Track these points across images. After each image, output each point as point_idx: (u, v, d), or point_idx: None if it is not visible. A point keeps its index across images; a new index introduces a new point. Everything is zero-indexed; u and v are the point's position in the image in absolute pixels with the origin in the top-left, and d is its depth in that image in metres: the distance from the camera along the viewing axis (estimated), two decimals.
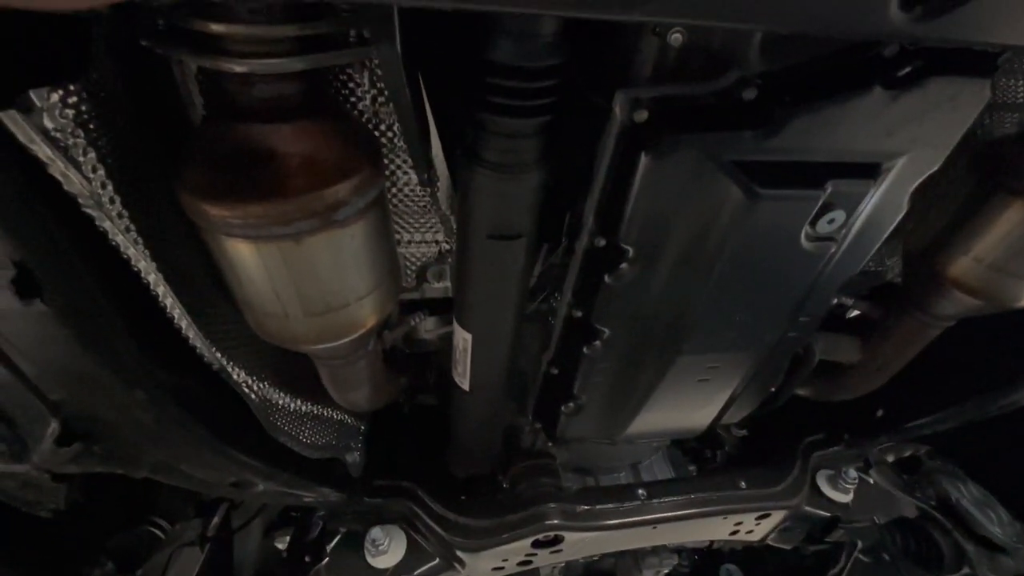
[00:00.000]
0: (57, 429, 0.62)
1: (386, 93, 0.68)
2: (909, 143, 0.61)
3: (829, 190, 0.60)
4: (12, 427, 0.62)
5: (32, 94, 0.42)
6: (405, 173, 0.79)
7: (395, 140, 0.74)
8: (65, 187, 0.46)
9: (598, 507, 1.13)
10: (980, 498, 1.60)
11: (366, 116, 0.70)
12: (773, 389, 1.06)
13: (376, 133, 0.71)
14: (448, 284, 0.96)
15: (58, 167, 0.45)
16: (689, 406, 0.96)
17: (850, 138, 0.59)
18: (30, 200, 0.45)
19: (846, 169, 0.60)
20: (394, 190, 0.80)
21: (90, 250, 0.52)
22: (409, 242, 0.89)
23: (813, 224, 0.63)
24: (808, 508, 1.30)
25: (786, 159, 0.59)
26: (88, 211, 0.49)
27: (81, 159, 0.47)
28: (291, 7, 0.47)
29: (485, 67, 0.54)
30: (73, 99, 0.46)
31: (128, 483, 0.86)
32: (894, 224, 0.70)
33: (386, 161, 0.75)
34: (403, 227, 0.87)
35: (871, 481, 1.46)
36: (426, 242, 0.90)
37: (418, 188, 0.81)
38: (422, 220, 0.86)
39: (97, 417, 0.65)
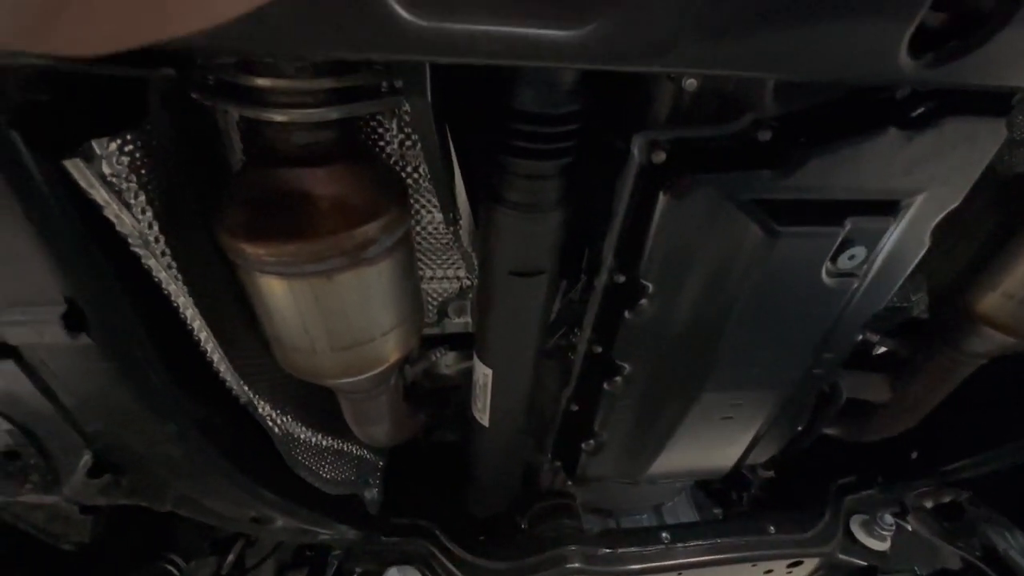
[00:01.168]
0: (90, 461, 0.64)
1: (413, 137, 0.72)
2: (927, 181, 0.61)
3: (848, 227, 0.60)
4: (47, 458, 0.64)
5: (94, 143, 0.46)
6: (429, 212, 0.81)
7: (420, 181, 0.77)
8: (118, 227, 0.49)
9: (620, 550, 1.10)
10: None
11: (394, 159, 0.73)
12: (800, 428, 1.04)
13: (403, 175, 0.75)
14: (468, 320, 0.97)
15: (113, 209, 0.48)
16: (713, 445, 0.94)
17: (867, 176, 0.60)
18: (85, 240, 0.48)
19: (865, 206, 0.61)
20: (418, 228, 0.83)
21: (133, 287, 0.55)
22: (431, 278, 0.91)
23: (834, 260, 0.64)
24: (843, 556, 1.24)
25: (804, 197, 0.60)
26: (136, 249, 0.52)
27: (132, 202, 0.51)
28: (330, 62, 0.51)
29: (508, 113, 0.57)
30: (129, 147, 0.50)
31: (147, 518, 0.86)
32: (916, 260, 0.70)
33: (411, 201, 0.78)
34: (426, 264, 0.89)
35: (909, 528, 1.38)
36: (448, 278, 0.93)
37: (441, 226, 0.84)
38: (444, 257, 0.89)
39: (128, 449, 0.67)
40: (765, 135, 0.59)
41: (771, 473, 1.35)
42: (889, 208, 0.62)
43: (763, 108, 0.59)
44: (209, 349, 0.63)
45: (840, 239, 0.61)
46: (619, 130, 0.63)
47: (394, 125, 0.71)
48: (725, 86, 0.59)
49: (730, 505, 1.47)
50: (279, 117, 0.51)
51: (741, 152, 0.60)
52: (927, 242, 0.67)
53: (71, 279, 0.48)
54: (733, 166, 0.59)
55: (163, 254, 0.55)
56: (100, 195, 0.46)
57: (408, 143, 0.73)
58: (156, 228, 0.53)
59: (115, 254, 0.52)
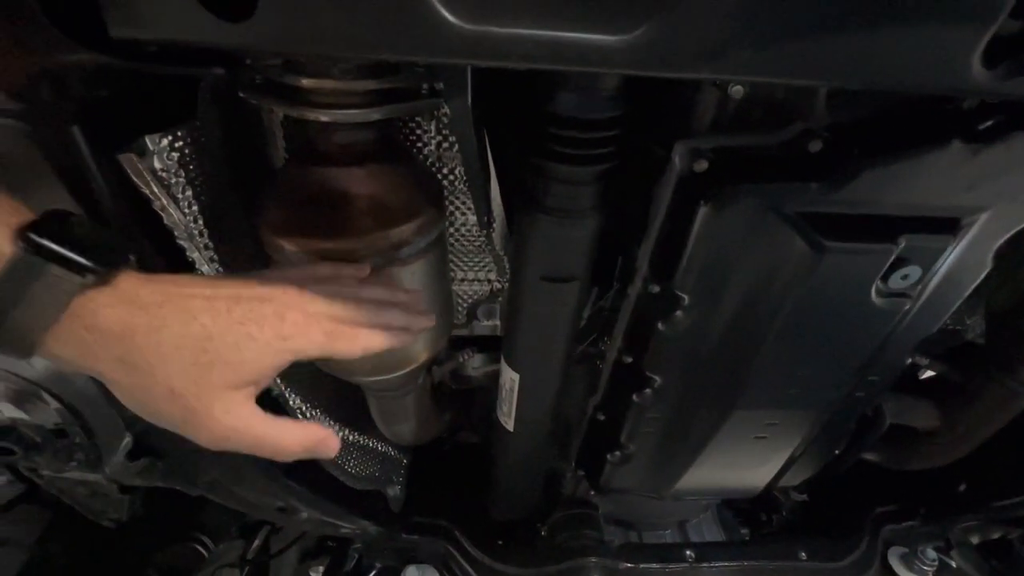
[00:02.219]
0: (130, 443, 0.67)
1: (450, 139, 0.72)
2: (992, 198, 0.57)
3: (903, 244, 0.57)
4: (91, 438, 0.67)
5: (147, 139, 0.47)
6: (463, 214, 0.82)
7: (455, 183, 0.77)
8: (165, 221, 0.51)
9: (642, 566, 1.07)
10: None
11: (430, 160, 0.74)
12: (838, 452, 0.99)
13: (439, 176, 0.75)
14: (497, 323, 0.97)
15: (161, 203, 0.50)
16: (745, 464, 0.91)
17: (926, 192, 0.56)
18: (134, 232, 0.50)
19: (922, 223, 0.57)
20: (451, 230, 0.83)
21: None
22: (462, 280, 0.92)
23: (885, 279, 0.60)
24: None
25: (855, 212, 0.57)
26: (181, 243, 0.54)
27: (180, 196, 0.52)
28: (373, 63, 0.51)
29: (548, 117, 0.56)
30: (179, 143, 0.52)
31: (179, 500, 0.89)
32: (976, 282, 0.66)
33: (446, 203, 0.78)
34: (457, 265, 0.89)
35: (953, 565, 1.30)
36: (479, 280, 0.93)
37: (474, 229, 0.84)
38: (476, 259, 0.89)
39: (166, 434, 0.69)
40: (815, 145, 0.56)
41: (804, 496, 1.29)
42: (948, 226, 0.58)
43: (814, 117, 0.57)
44: None
45: (893, 257, 0.57)
46: (659, 136, 0.62)
47: (432, 127, 0.71)
48: (773, 93, 0.57)
49: (758, 527, 1.41)
50: (322, 117, 0.52)
51: (788, 162, 0.57)
52: (989, 263, 0.63)
53: None
54: (779, 177, 0.57)
55: (206, 248, 0.57)
56: (150, 189, 0.48)
57: (445, 145, 0.73)
58: (201, 222, 0.55)
59: (162, 247, 0.53)
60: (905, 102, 0.56)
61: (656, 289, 0.69)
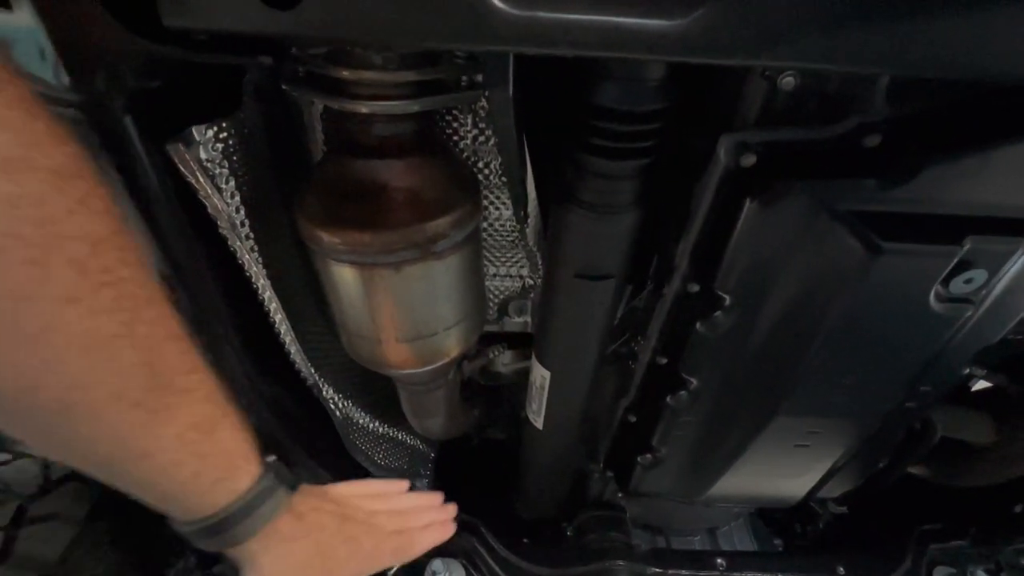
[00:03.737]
0: None
1: (487, 133, 0.71)
2: None
3: (967, 247, 0.53)
4: None
5: (193, 130, 0.48)
6: (496, 209, 0.81)
7: (490, 177, 0.76)
8: (209, 210, 0.52)
9: (671, 572, 1.04)
10: None
11: (466, 154, 0.73)
12: (883, 464, 0.94)
13: (475, 170, 0.74)
14: (528, 319, 0.96)
15: (206, 192, 0.51)
16: (783, 473, 0.87)
17: (995, 190, 0.52)
18: (179, 222, 0.51)
19: (989, 224, 0.53)
20: (485, 224, 0.83)
21: (218, 268, 0.58)
22: (495, 275, 0.91)
23: (946, 283, 0.56)
24: None
25: (915, 211, 0.53)
26: (223, 232, 0.55)
27: (224, 187, 0.53)
28: (412, 55, 0.51)
29: (588, 109, 0.54)
30: (223, 134, 0.53)
31: None
32: None
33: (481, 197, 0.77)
34: (490, 260, 0.89)
35: None
36: (511, 276, 0.92)
37: (508, 224, 0.83)
38: (509, 255, 0.88)
39: None
40: (873, 140, 0.53)
41: (843, 509, 1.24)
42: (1019, 227, 0.54)
43: (872, 109, 0.54)
44: (283, 331, 0.66)
45: (956, 260, 0.54)
46: (703, 130, 0.59)
47: (469, 120, 0.71)
48: (827, 85, 0.54)
49: (792, 537, 1.36)
50: (363, 108, 0.52)
51: (842, 158, 0.54)
52: None
53: (165, 257, 0.51)
54: (833, 173, 0.54)
55: (247, 238, 0.58)
56: (196, 179, 0.49)
57: (481, 139, 0.72)
58: (243, 212, 0.56)
59: (204, 236, 0.55)
60: (974, 92, 0.52)
61: (695, 288, 0.67)
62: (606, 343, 0.82)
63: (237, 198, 0.55)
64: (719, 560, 1.06)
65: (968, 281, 0.56)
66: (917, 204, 0.53)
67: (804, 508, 1.31)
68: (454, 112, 0.70)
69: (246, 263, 0.57)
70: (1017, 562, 1.33)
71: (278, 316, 0.64)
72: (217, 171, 0.52)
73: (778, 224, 0.57)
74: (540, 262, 0.83)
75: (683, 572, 1.04)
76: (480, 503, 1.20)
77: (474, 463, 1.28)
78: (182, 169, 0.48)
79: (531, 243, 0.81)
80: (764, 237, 0.58)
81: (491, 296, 0.94)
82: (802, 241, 0.57)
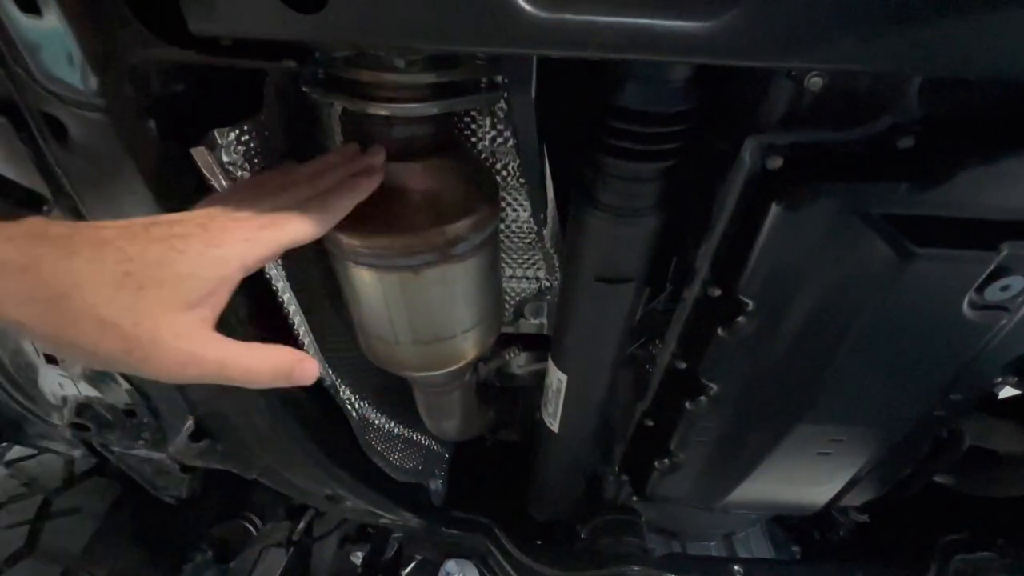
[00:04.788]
0: (192, 426, 0.69)
1: (505, 134, 0.71)
2: None
3: (1005, 252, 0.51)
4: (158, 419, 0.70)
5: (216, 132, 0.49)
6: (514, 210, 0.80)
7: (508, 179, 0.76)
8: None
9: None
10: None
11: (484, 155, 0.73)
12: (908, 473, 0.92)
13: (493, 171, 0.74)
14: (544, 321, 0.96)
15: None
16: (804, 481, 0.85)
17: None
18: None
19: None
20: (502, 226, 0.82)
21: None
22: (511, 277, 0.91)
23: (980, 290, 0.55)
24: None
25: (950, 215, 0.52)
26: None
27: None
28: (433, 57, 0.51)
29: (610, 110, 0.54)
30: (245, 136, 0.53)
31: (231, 479, 0.93)
32: None
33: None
34: (507, 262, 0.88)
35: None
36: (527, 278, 0.91)
37: (525, 225, 0.82)
38: (526, 256, 0.87)
39: (225, 418, 0.72)
40: (906, 142, 0.51)
41: (864, 517, 1.21)
42: None
43: (905, 110, 0.52)
44: (301, 332, 0.66)
45: (993, 266, 0.52)
46: (727, 131, 0.58)
47: (487, 122, 0.70)
48: (856, 86, 0.52)
49: (811, 545, 1.34)
50: (381, 110, 0.52)
51: (874, 160, 0.53)
52: None
53: None
54: (864, 176, 0.52)
55: None
56: (219, 182, 0.49)
57: (500, 140, 0.72)
58: None
59: None
60: (1011, 92, 0.50)
61: (717, 293, 0.66)
62: (624, 347, 0.81)
63: None
64: (736, 567, 1.04)
65: (1004, 288, 0.54)
66: (952, 208, 0.52)
67: (824, 515, 1.29)
68: (472, 113, 0.69)
69: (265, 265, 0.57)
70: None
71: (297, 318, 0.64)
72: (239, 174, 0.52)
73: (805, 228, 0.55)
74: (557, 264, 0.82)
75: None
76: (494, 505, 1.20)
77: (488, 464, 1.28)
78: (205, 173, 0.48)
79: (548, 245, 0.80)
80: (790, 242, 0.57)
81: (507, 297, 0.93)
82: (830, 246, 0.56)
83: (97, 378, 0.65)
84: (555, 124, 0.61)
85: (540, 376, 0.93)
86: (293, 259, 0.63)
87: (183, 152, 0.47)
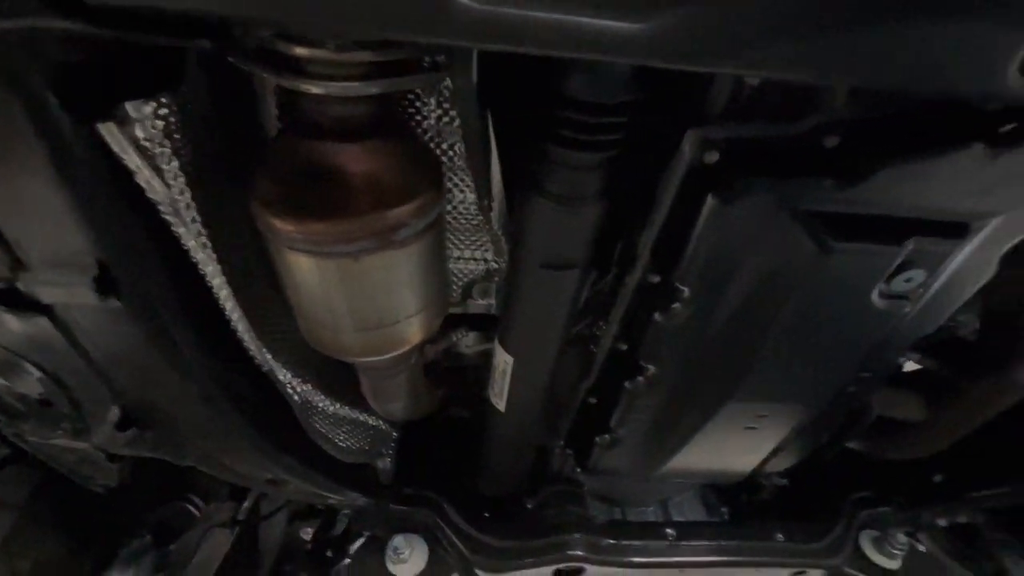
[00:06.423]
0: (118, 414, 0.66)
1: (451, 114, 0.69)
2: (1006, 204, 0.56)
3: (910, 247, 0.56)
4: (78, 408, 0.66)
5: (128, 106, 0.44)
6: (461, 192, 0.79)
7: (455, 159, 0.74)
8: (148, 194, 0.49)
9: (624, 543, 1.10)
10: None
11: (430, 135, 0.71)
12: (823, 441, 1.00)
13: (438, 152, 0.72)
14: (492, 302, 0.96)
15: (144, 175, 0.47)
16: (732, 452, 0.92)
17: (939, 195, 0.55)
18: (117, 205, 0.48)
19: (931, 226, 0.56)
20: (449, 207, 0.81)
21: (162, 252, 0.55)
22: (458, 258, 0.90)
23: (888, 281, 0.59)
24: (849, 570, 1.22)
25: (865, 212, 0.55)
26: (166, 217, 0.51)
27: (165, 167, 0.50)
28: None
29: (556, 99, 0.53)
30: (164, 111, 0.49)
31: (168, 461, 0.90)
32: (979, 286, 0.65)
33: (444, 180, 0.75)
34: (454, 243, 0.87)
35: (922, 549, 1.35)
36: (475, 259, 0.91)
37: (472, 207, 0.81)
38: (473, 238, 0.87)
39: (154, 406, 0.68)
40: (831, 141, 0.54)
41: (785, 481, 1.32)
42: (958, 230, 0.57)
43: (831, 111, 0.54)
44: (234, 318, 0.63)
45: (899, 260, 0.56)
46: (669, 123, 0.59)
47: (432, 100, 0.68)
48: (791, 83, 0.54)
49: (739, 507, 1.45)
50: (315, 89, 0.49)
51: (801, 157, 0.55)
52: (994, 268, 0.62)
53: (103, 243, 0.48)
54: (792, 172, 0.55)
55: (193, 221, 0.54)
56: (132, 160, 0.46)
57: (446, 119, 0.70)
58: (187, 195, 0.52)
59: (147, 219, 0.51)
60: (927, 101, 0.54)
61: (656, 279, 0.68)
62: (569, 329, 0.83)
63: (181, 180, 0.52)
64: (669, 530, 1.12)
65: (908, 280, 0.59)
66: (868, 205, 0.55)
67: (750, 480, 1.40)
68: (417, 91, 0.67)
69: (192, 248, 0.54)
70: (935, 523, 1.47)
71: (229, 303, 0.61)
72: (157, 151, 0.48)
73: (738, 220, 0.58)
74: (505, 246, 0.82)
75: (635, 543, 1.10)
76: (443, 480, 1.22)
77: (437, 441, 1.29)
78: (116, 150, 0.44)
79: (496, 227, 0.80)
80: (724, 232, 0.59)
81: (455, 278, 0.92)
82: (760, 238, 0.59)
83: (4, 367, 0.60)
84: (504, 107, 0.60)
85: (489, 355, 0.94)
86: (225, 239, 0.60)
87: (91, 128, 0.43)
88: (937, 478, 1.22)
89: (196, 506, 1.55)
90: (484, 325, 1.02)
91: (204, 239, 0.56)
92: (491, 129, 0.61)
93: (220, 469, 0.84)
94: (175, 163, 0.50)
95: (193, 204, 0.54)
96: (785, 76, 0.35)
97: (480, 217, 0.83)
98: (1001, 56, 0.33)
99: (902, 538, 1.27)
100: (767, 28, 0.32)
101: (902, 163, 0.53)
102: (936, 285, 0.63)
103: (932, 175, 0.53)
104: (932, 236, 0.56)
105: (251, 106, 0.64)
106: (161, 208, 0.50)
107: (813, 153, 0.55)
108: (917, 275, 0.58)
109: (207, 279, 0.59)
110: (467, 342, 1.02)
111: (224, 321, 0.65)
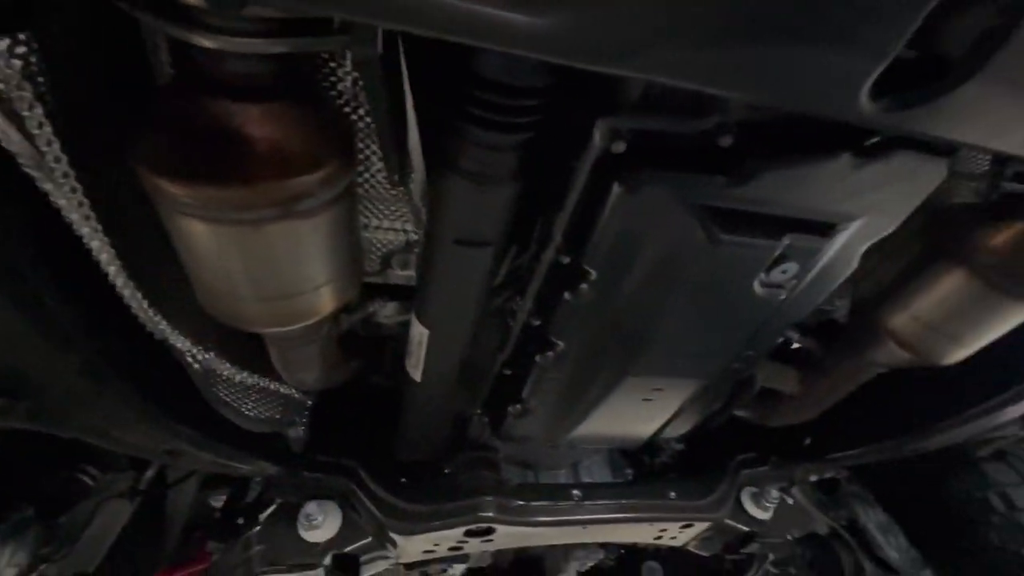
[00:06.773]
0: None
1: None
2: (867, 208, 0.63)
3: (786, 243, 0.62)
4: None
5: None
6: (380, 159, 0.77)
7: (373, 124, 0.72)
8: (3, 143, 0.43)
9: (532, 504, 1.17)
10: (884, 523, 1.74)
11: (345, 98, 0.67)
12: (713, 410, 1.11)
13: (354, 117, 0.69)
14: (412, 273, 0.95)
15: None
16: (631, 421, 1.00)
17: (813, 196, 0.61)
18: None
19: (804, 225, 0.63)
20: (367, 175, 0.78)
21: (29, 212, 0.50)
22: (377, 228, 0.88)
23: (767, 272, 0.66)
24: (729, 522, 1.38)
25: (750, 209, 0.61)
26: (28, 171, 0.46)
27: (26, 114, 0.44)
28: None
29: (471, 78, 0.53)
30: (22, 49, 0.43)
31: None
32: (843, 278, 0.74)
33: (361, 146, 0.73)
34: (372, 212, 0.85)
35: (790, 501, 1.55)
36: (394, 229, 0.89)
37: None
38: (393, 208, 0.85)
39: (26, 377, 0.63)
40: (726, 140, 0.58)
41: (681, 445, 1.46)
42: (826, 229, 0.64)
43: (729, 112, 0.58)
44: (119, 283, 0.59)
45: (776, 254, 0.63)
46: (582, 110, 0.61)
47: (348, 61, 0.65)
48: None
49: (641, 468, 1.58)
50: (207, 43, 0.45)
51: (700, 154, 0.59)
52: (856, 264, 0.71)
53: None
54: (690, 167, 0.59)
55: (65, 176, 0.49)
56: None
57: (361, 84, 0.67)
58: (56, 147, 0.47)
59: (5, 175, 0.46)
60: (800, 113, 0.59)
61: (566, 260, 0.71)
62: (485, 304, 0.84)
63: (48, 129, 0.46)
64: (575, 492, 1.20)
65: (784, 271, 0.66)
66: (752, 203, 0.61)
67: (652, 444, 1.52)
68: (331, 52, 0.63)
69: (63, 207, 0.49)
70: (806, 477, 1.69)
71: (112, 267, 0.56)
72: (14, 95, 0.43)
73: (640, 209, 0.61)
74: (424, 218, 0.81)
75: (543, 503, 1.18)
76: (359, 447, 1.22)
77: (356, 408, 1.29)
78: None
79: (416, 199, 0.78)
80: (627, 219, 0.63)
81: (374, 248, 0.91)
82: (658, 226, 0.63)
83: None
84: (421, 79, 0.58)
85: (407, 326, 0.94)
86: (106, 197, 0.54)
87: None
88: (807, 441, 1.39)
89: (91, 475, 1.45)
90: (404, 296, 1.01)
91: (79, 197, 0.51)
92: (408, 99, 0.59)
93: (111, 441, 0.79)
94: (38, 110, 0.45)
95: (64, 157, 0.48)
96: (674, 82, 0.37)
97: (400, 187, 0.81)
98: (853, 81, 0.37)
99: (775, 493, 1.45)
100: (655, 35, 0.34)
101: (784, 166, 0.58)
102: (808, 276, 0.71)
103: (808, 179, 0.59)
104: (805, 233, 0.63)
105: (140, 49, 0.58)
106: (20, 161, 0.45)
107: (709, 151, 0.59)
108: (791, 267, 0.65)
109: (84, 241, 0.54)
110: (386, 312, 1.01)
111: (109, 288, 0.60)
